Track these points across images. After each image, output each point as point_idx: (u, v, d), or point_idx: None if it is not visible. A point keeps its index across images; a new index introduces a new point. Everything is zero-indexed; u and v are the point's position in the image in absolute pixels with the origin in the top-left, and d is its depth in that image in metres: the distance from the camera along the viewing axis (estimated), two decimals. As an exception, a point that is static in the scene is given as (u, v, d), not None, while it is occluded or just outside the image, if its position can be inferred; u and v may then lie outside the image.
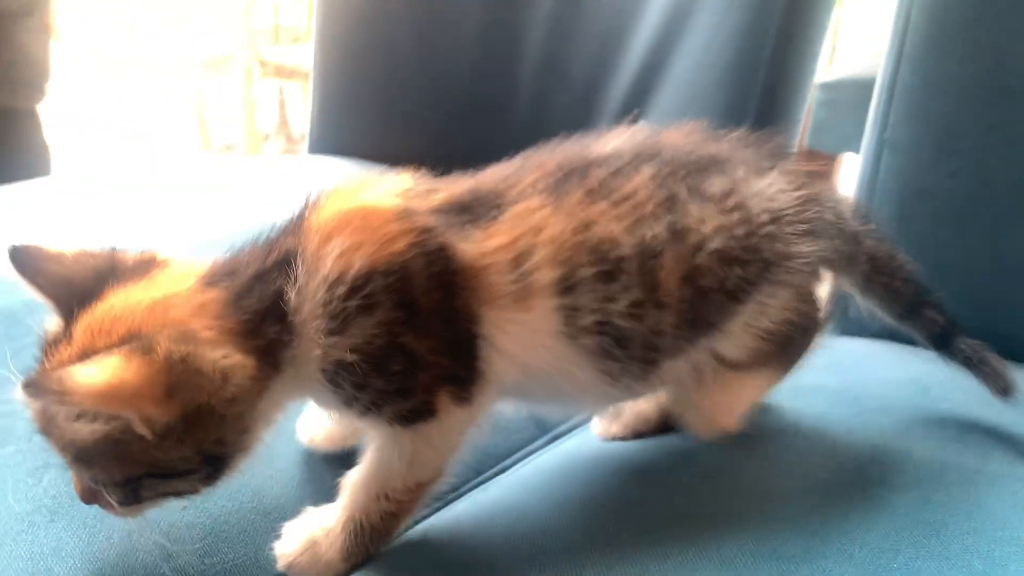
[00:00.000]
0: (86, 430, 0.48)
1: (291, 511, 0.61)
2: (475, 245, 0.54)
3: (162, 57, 3.22)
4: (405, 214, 0.53)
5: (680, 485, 0.62)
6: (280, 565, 0.59)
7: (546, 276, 0.54)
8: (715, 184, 0.58)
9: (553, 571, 0.53)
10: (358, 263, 0.51)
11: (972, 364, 0.67)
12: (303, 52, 2.97)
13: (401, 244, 0.52)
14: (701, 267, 0.57)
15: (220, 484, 0.53)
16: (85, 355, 0.48)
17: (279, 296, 0.52)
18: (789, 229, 0.59)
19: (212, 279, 0.53)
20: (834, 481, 0.61)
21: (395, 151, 1.05)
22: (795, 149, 0.68)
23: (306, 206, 0.55)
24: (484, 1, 1.24)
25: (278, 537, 0.59)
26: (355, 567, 0.58)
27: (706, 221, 0.57)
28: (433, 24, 1.28)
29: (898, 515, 0.55)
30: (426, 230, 0.53)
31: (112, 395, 0.46)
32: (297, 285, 0.51)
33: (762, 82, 1.00)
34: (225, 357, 0.49)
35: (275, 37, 3.43)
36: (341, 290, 0.51)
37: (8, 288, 0.55)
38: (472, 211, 0.55)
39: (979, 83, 0.81)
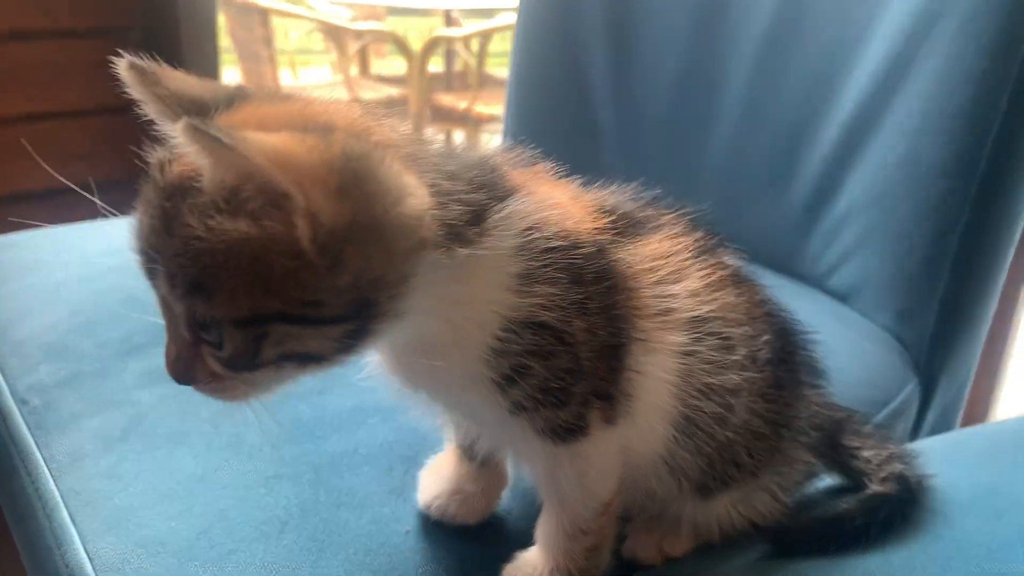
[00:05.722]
0: (228, 228, 0.40)
1: None
2: (628, 252, 0.55)
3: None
4: (598, 212, 0.56)
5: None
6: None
7: (687, 308, 0.55)
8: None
9: None
10: (556, 228, 0.50)
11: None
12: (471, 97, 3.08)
13: (590, 226, 0.53)
14: (752, 420, 0.60)
15: (353, 357, 0.46)
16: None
17: (482, 207, 0.48)
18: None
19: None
20: None
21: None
22: None
23: (502, 166, 0.54)
24: (685, 43, 1.23)
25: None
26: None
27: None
28: (631, 66, 1.28)
29: None
30: (606, 229, 0.54)
31: (285, 160, 0.39)
32: (503, 213, 0.49)
33: (995, 134, 0.94)
34: (404, 176, 0.44)
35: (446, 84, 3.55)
36: (535, 246, 0.49)
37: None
38: (619, 224, 0.56)
39: None
